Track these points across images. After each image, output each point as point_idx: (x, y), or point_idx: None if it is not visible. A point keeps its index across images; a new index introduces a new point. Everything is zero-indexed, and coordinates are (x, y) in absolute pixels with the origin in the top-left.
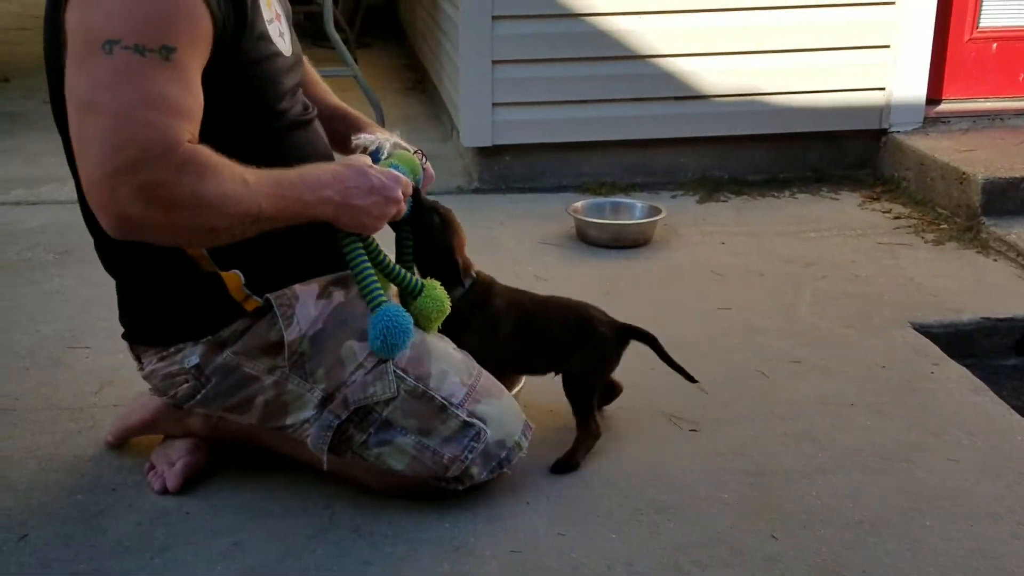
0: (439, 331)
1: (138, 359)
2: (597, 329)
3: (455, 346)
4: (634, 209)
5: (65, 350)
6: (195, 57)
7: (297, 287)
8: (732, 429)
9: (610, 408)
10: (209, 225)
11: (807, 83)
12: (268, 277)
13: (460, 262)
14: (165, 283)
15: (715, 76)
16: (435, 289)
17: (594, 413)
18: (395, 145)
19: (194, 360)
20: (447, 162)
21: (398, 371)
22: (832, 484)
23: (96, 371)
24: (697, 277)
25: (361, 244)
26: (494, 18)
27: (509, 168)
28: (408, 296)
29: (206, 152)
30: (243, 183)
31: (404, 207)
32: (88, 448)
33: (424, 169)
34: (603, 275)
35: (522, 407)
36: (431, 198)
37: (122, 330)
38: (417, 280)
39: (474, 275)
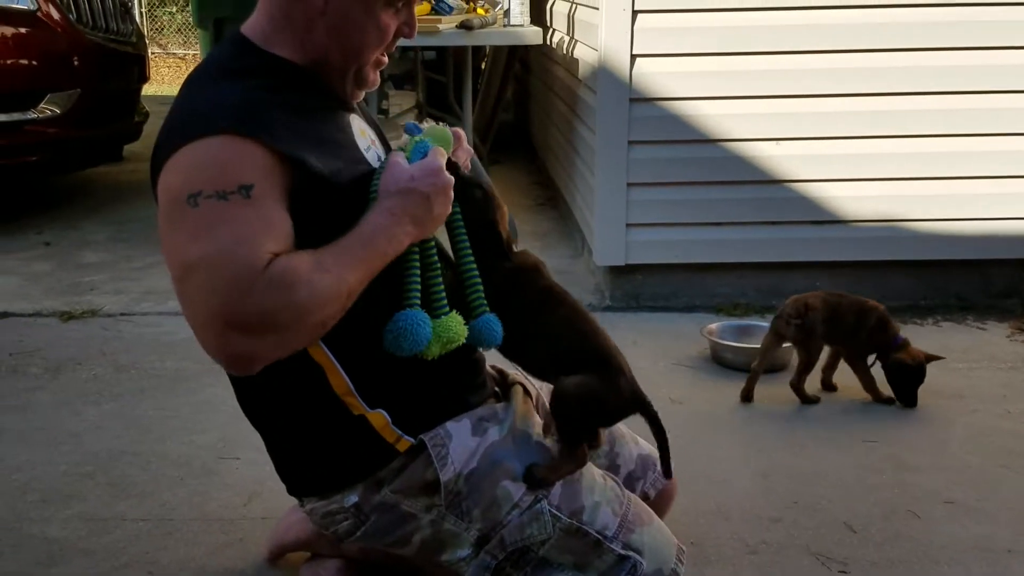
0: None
1: (298, 498)
2: (616, 378)
3: (600, 470)
4: None
5: (217, 460)
6: (274, 186)
7: (449, 424)
8: (885, 573)
9: (752, 542)
10: (315, 323)
11: (950, 211)
12: (415, 414)
13: (504, 235)
14: (317, 434)
15: (854, 202)
16: (456, 321)
17: (583, 443)
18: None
19: (353, 499)
20: (579, 279)
21: (553, 510)
22: None
23: (245, 482)
24: (838, 406)
25: (417, 249)
26: (630, 143)
27: (641, 287)
28: (428, 312)
29: (286, 262)
30: (326, 270)
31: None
32: (238, 561)
33: (457, 138)
34: (739, 400)
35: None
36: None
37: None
38: (445, 303)
39: (514, 251)
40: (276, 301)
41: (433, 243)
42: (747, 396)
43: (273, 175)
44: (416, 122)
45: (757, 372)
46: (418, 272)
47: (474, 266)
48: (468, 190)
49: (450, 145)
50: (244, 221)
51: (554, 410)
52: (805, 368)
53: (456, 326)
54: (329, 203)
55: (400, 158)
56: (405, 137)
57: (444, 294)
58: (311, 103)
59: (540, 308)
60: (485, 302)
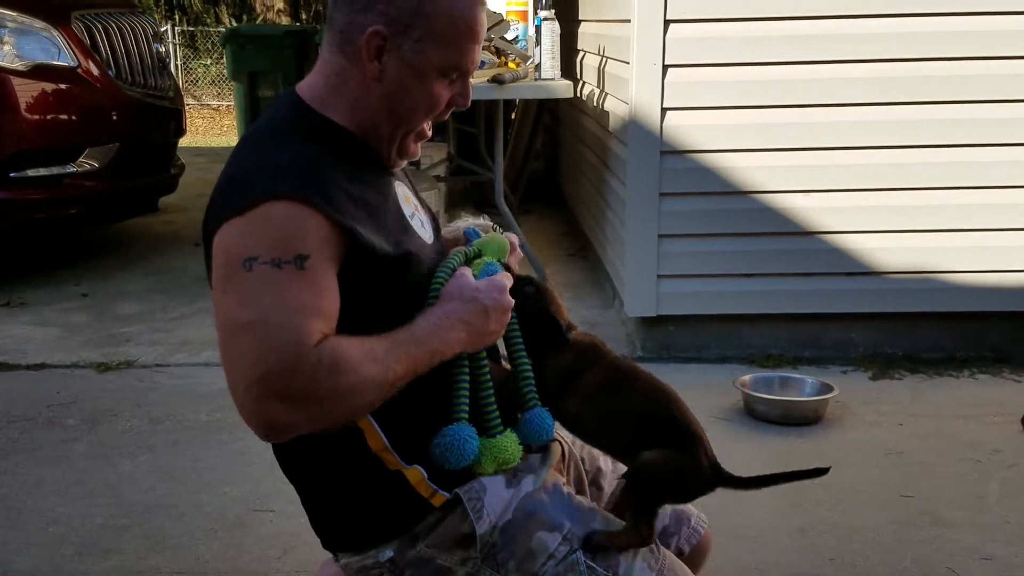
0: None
1: (333, 552)
2: (697, 453)
3: None
4: (804, 385)
5: (250, 512)
6: (328, 259)
7: (484, 477)
8: None
9: None
10: (355, 406)
11: (984, 263)
12: (450, 470)
13: (562, 324)
14: (353, 489)
15: (886, 253)
16: (511, 440)
17: (653, 520)
18: (482, 229)
19: (388, 554)
20: (609, 329)
21: (588, 562)
22: None
23: (279, 535)
24: (874, 460)
25: (467, 360)
26: (661, 195)
27: (673, 337)
28: (482, 430)
29: (336, 344)
30: (375, 360)
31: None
32: None
33: (509, 241)
34: (773, 453)
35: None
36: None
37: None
38: (499, 422)
39: (571, 335)
40: (323, 380)
41: (484, 359)
42: None
43: (328, 245)
44: (474, 227)
45: None
46: (467, 384)
47: (526, 359)
48: (520, 287)
49: (507, 253)
50: (295, 292)
51: (631, 483)
52: None
53: (511, 446)
54: (373, 274)
55: (469, 274)
56: (461, 230)
57: (497, 412)
58: (362, 170)
59: (612, 385)
60: (536, 395)
